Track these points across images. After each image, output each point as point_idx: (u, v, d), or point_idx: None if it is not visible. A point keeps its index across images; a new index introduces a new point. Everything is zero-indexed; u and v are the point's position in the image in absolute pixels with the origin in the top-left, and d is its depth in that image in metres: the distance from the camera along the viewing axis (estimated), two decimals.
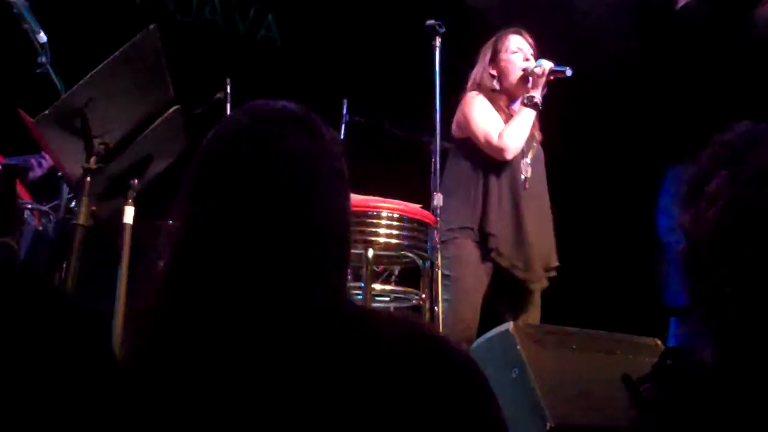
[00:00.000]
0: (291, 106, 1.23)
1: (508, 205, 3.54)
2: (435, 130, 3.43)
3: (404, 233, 3.12)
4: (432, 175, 3.46)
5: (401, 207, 3.16)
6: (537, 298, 3.63)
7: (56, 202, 3.43)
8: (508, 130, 3.54)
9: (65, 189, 3.31)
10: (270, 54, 5.81)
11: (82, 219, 2.37)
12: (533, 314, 3.61)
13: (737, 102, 4.77)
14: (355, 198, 3.05)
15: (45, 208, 3.49)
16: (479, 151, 3.58)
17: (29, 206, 3.45)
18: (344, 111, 4.32)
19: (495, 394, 1.13)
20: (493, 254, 3.49)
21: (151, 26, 2.40)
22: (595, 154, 5.80)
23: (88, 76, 2.33)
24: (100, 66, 2.34)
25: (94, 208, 2.41)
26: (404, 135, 4.26)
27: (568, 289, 5.39)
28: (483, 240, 3.51)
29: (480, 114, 3.60)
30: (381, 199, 3.20)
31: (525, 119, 3.56)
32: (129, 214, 2.52)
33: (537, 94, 3.59)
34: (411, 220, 3.14)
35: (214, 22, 5.70)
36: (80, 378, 0.94)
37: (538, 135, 3.74)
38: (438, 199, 3.31)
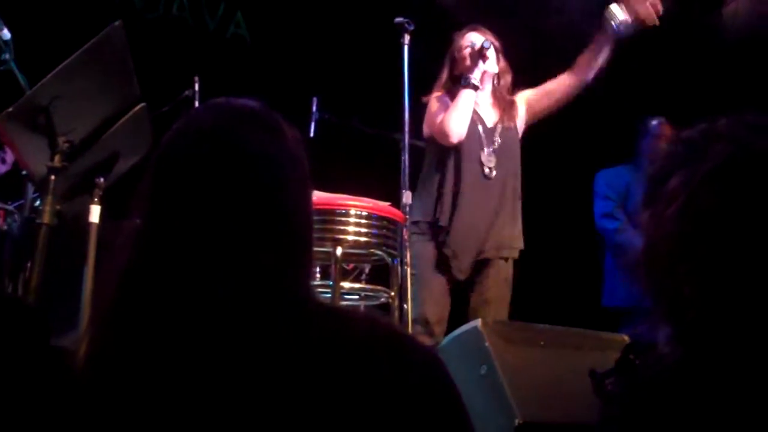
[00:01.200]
0: (252, 103, 1.22)
1: (461, 199, 3.56)
2: (404, 127, 3.43)
3: (373, 231, 3.12)
4: (401, 172, 3.48)
5: (370, 205, 3.16)
6: (500, 280, 3.63)
7: (21, 201, 3.39)
8: (447, 113, 3.57)
9: (30, 188, 3.27)
10: (239, 51, 5.78)
11: (46, 218, 2.35)
12: (497, 292, 3.61)
13: (707, 95, 4.84)
14: (324, 196, 3.05)
15: (10, 207, 3.45)
16: (440, 146, 3.63)
17: None
18: (314, 109, 4.31)
19: (459, 391, 1.13)
20: (443, 246, 3.52)
21: (117, 22, 2.38)
22: (565, 150, 5.83)
23: (52, 73, 2.30)
24: (65, 63, 2.31)
25: (59, 207, 2.39)
26: (374, 132, 4.26)
27: (537, 286, 5.43)
28: (435, 234, 3.54)
29: (434, 107, 3.68)
30: (349, 197, 3.20)
31: (462, 100, 3.57)
32: (95, 213, 2.49)
33: (473, 74, 3.60)
34: (380, 218, 3.14)
35: (182, 19, 5.66)
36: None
37: (506, 121, 3.74)
38: (407, 197, 3.31)
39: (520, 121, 3.83)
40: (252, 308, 1.08)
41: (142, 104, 2.55)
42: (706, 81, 5.27)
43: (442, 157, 3.63)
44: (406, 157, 3.39)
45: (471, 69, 3.63)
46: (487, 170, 3.59)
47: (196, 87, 4.17)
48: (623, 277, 4.42)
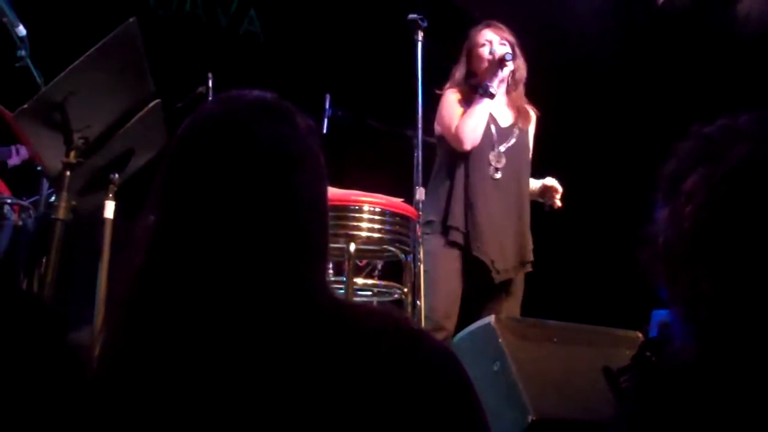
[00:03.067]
0: (265, 95, 1.21)
1: (473, 198, 3.55)
2: (417, 124, 3.43)
3: (386, 227, 3.12)
4: (414, 169, 3.48)
5: (383, 201, 3.16)
6: (515, 289, 3.63)
7: (36, 197, 3.41)
8: (462, 120, 3.57)
9: (45, 184, 3.28)
10: (252, 48, 5.79)
11: (62, 214, 2.36)
12: (510, 306, 3.60)
13: (720, 96, 4.82)
14: (338, 192, 3.05)
15: (25, 203, 3.47)
16: (450, 145, 3.63)
17: (9, 201, 3.42)
18: (327, 105, 4.31)
19: (474, 388, 1.13)
20: (456, 246, 3.51)
21: (131, 19, 2.39)
22: (579, 147, 5.81)
23: (67, 69, 2.31)
24: (80, 60, 2.32)
25: (74, 202, 2.40)
26: (387, 129, 4.25)
27: (550, 282, 5.42)
28: (446, 232, 3.53)
29: (447, 108, 3.66)
30: (363, 193, 3.20)
31: (478, 109, 3.58)
32: (110, 209, 2.50)
33: (491, 83, 3.60)
34: (393, 215, 3.14)
35: (195, 16, 5.68)
36: (30, 370, 0.94)
37: (521, 124, 3.74)
38: (420, 193, 3.31)
39: (532, 130, 3.83)
40: (267, 304, 1.08)
41: (157, 100, 2.55)
42: (720, 78, 5.25)
43: (453, 156, 3.63)
44: (419, 154, 3.38)
45: (490, 78, 3.62)
46: (493, 170, 3.58)
47: (210, 83, 4.18)
48: None
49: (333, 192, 3.01)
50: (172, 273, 1.10)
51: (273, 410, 1.03)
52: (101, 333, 1.17)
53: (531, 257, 3.66)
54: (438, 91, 3.76)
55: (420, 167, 3.37)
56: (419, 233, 3.22)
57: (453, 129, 3.59)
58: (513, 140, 3.68)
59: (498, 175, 3.59)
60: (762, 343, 1.00)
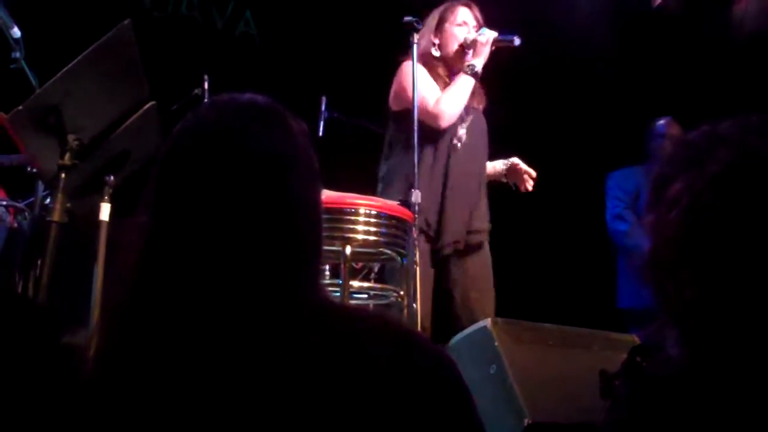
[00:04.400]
0: (258, 98, 1.21)
1: (439, 176, 3.51)
2: (413, 126, 3.42)
3: (382, 230, 3.11)
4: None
5: (379, 204, 3.15)
6: (481, 256, 3.61)
7: (31, 199, 3.40)
8: (445, 96, 3.51)
9: (40, 186, 3.27)
10: (248, 50, 5.78)
11: (57, 216, 2.35)
12: (479, 274, 3.59)
13: (715, 97, 4.82)
14: (333, 195, 3.04)
15: (20, 205, 3.46)
16: (419, 123, 3.44)
17: (4, 203, 3.41)
18: (323, 108, 4.31)
19: (469, 391, 1.13)
20: (422, 227, 3.41)
21: (126, 21, 2.38)
22: (576, 147, 5.82)
23: (62, 71, 2.31)
24: (75, 62, 2.32)
25: (69, 205, 2.39)
26: (382, 131, 4.25)
27: (546, 285, 5.42)
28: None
29: (421, 82, 3.48)
30: (358, 195, 3.19)
31: (463, 86, 3.52)
32: (105, 211, 2.50)
33: (478, 63, 3.55)
34: (389, 217, 3.13)
35: (191, 18, 5.67)
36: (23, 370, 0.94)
37: (476, 104, 3.69)
38: (416, 196, 3.29)
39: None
40: (261, 307, 1.08)
41: (152, 102, 2.55)
42: (714, 81, 5.25)
43: (420, 133, 3.41)
44: (415, 156, 3.37)
45: (477, 56, 3.55)
46: (459, 145, 3.53)
47: (206, 85, 4.18)
48: (634, 278, 4.43)
49: (328, 195, 3.00)
50: (165, 277, 1.10)
51: (268, 412, 1.03)
52: (95, 335, 1.16)
53: (486, 224, 3.64)
54: (401, 58, 3.64)
55: (416, 169, 3.36)
56: (415, 235, 3.22)
57: (431, 105, 3.49)
58: (469, 120, 3.62)
59: (459, 148, 3.54)
60: (748, 348, 1.00)
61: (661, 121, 4.68)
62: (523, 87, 4.00)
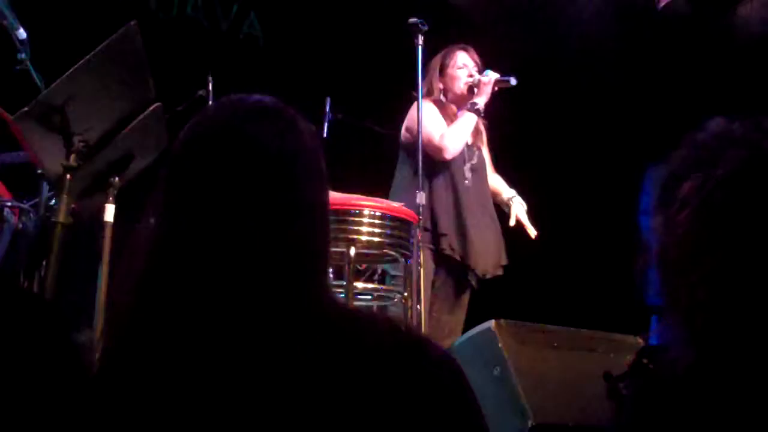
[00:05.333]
0: (266, 99, 1.21)
1: (451, 206, 3.70)
2: (419, 128, 3.44)
3: (386, 231, 3.12)
4: (416, 173, 3.52)
5: (383, 205, 3.16)
6: (466, 299, 3.80)
7: (36, 200, 3.40)
8: (449, 131, 3.72)
9: (45, 187, 3.28)
10: (252, 52, 5.79)
11: (62, 217, 2.36)
12: (459, 314, 3.77)
13: (720, 100, 4.82)
14: (338, 196, 3.05)
15: (25, 206, 3.46)
16: (424, 154, 3.66)
17: (9, 204, 3.41)
18: (327, 109, 4.32)
19: (475, 393, 1.13)
20: (446, 250, 3.64)
21: (132, 23, 2.39)
22: (580, 152, 5.82)
23: (68, 72, 2.31)
24: (80, 63, 2.32)
25: (74, 205, 2.40)
26: (387, 133, 4.26)
27: (550, 287, 5.42)
28: (434, 240, 3.66)
29: (429, 117, 3.74)
30: (363, 197, 3.20)
31: (466, 122, 3.74)
32: (110, 212, 2.50)
33: (480, 101, 3.78)
34: (393, 219, 3.14)
35: (196, 20, 5.68)
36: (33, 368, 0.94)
37: (481, 143, 3.94)
38: (421, 198, 3.33)
39: (485, 149, 4.01)
40: (269, 307, 1.08)
41: (157, 104, 2.55)
42: (720, 83, 5.24)
43: (430, 165, 3.71)
44: (419, 158, 3.39)
45: (480, 95, 3.79)
46: (467, 183, 3.76)
47: (210, 86, 4.18)
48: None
49: (333, 196, 2.99)
50: (173, 277, 1.10)
51: (273, 412, 1.03)
52: (103, 335, 1.17)
53: (505, 260, 3.86)
54: (414, 94, 3.79)
55: (421, 171, 3.38)
56: (419, 237, 3.23)
57: (437, 138, 3.69)
58: (475, 159, 3.87)
59: (469, 185, 3.77)
60: (756, 349, 1.00)
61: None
62: (532, 87, 4.02)
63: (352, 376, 1.05)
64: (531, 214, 3.99)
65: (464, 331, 3.13)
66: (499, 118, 4.01)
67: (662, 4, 4.17)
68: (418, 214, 3.27)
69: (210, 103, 4.09)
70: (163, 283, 1.11)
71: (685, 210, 1.05)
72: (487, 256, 3.74)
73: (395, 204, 3.23)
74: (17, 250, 3.22)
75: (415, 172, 3.67)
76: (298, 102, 1.27)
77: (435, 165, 3.72)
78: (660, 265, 1.09)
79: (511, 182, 4.16)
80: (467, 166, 3.78)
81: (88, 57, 2.33)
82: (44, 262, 2.40)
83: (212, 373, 1.05)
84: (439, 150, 3.68)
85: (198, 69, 4.24)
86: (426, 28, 3.54)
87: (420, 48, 3.50)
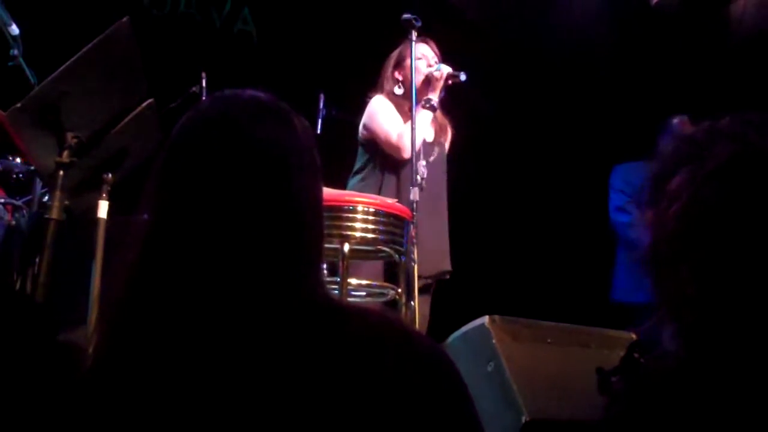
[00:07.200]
0: (260, 95, 1.21)
1: (403, 203, 3.56)
2: (412, 124, 3.44)
3: (380, 228, 3.11)
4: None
5: (377, 201, 3.16)
6: (429, 295, 3.69)
7: (29, 197, 3.39)
8: (405, 129, 3.61)
9: (38, 183, 3.27)
10: (246, 47, 5.78)
11: (55, 213, 2.35)
12: (423, 313, 3.62)
13: (713, 97, 4.83)
14: (332, 192, 3.05)
15: (18, 202, 3.45)
16: (381, 150, 3.67)
17: (2, 201, 3.41)
18: (320, 105, 4.31)
19: (468, 389, 1.13)
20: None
21: (124, 19, 2.38)
22: (573, 146, 5.82)
23: (60, 69, 2.30)
24: (73, 59, 2.32)
25: (67, 202, 2.39)
26: None
27: (544, 283, 5.42)
28: None
29: (384, 115, 3.70)
30: (357, 193, 3.19)
31: (423, 122, 3.65)
32: (103, 209, 2.50)
33: (434, 97, 3.69)
34: (387, 215, 3.13)
35: (189, 16, 5.66)
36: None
37: (443, 139, 3.86)
38: (414, 193, 3.32)
39: (447, 144, 3.92)
40: (262, 304, 1.08)
41: (150, 100, 2.55)
42: (713, 79, 5.26)
43: (382, 162, 3.68)
44: (413, 154, 3.39)
45: (433, 91, 3.69)
46: (421, 180, 3.59)
47: (203, 83, 4.17)
48: (634, 271, 4.42)
49: (327, 192, 3.00)
50: (166, 273, 1.10)
51: (267, 409, 1.03)
52: (96, 332, 1.16)
53: (448, 267, 3.73)
54: (371, 95, 3.80)
55: (415, 167, 3.38)
56: (413, 233, 3.23)
57: (394, 137, 3.62)
58: (434, 155, 3.79)
59: (424, 184, 3.61)
60: (747, 344, 1.00)
61: (676, 120, 4.67)
62: (524, 83, 4.01)
63: (344, 368, 1.05)
64: (526, 210, 3.94)
65: (458, 327, 3.12)
66: (486, 117, 3.96)
67: (655, 0, 4.17)
68: (412, 210, 3.26)
69: (203, 99, 4.08)
70: (156, 277, 1.11)
71: (674, 205, 1.06)
72: (428, 262, 3.55)
73: (389, 200, 3.23)
74: (10, 247, 3.21)
75: (374, 168, 3.69)
76: (292, 98, 1.27)
77: (388, 162, 3.67)
78: (650, 260, 1.10)
79: (499, 178, 4.12)
80: (421, 162, 3.65)
81: (80, 53, 2.33)
82: (37, 259, 2.40)
83: (205, 366, 1.05)
84: (397, 149, 3.61)
85: (191, 65, 4.23)
86: (420, 23, 3.53)
87: (413, 44, 3.50)
